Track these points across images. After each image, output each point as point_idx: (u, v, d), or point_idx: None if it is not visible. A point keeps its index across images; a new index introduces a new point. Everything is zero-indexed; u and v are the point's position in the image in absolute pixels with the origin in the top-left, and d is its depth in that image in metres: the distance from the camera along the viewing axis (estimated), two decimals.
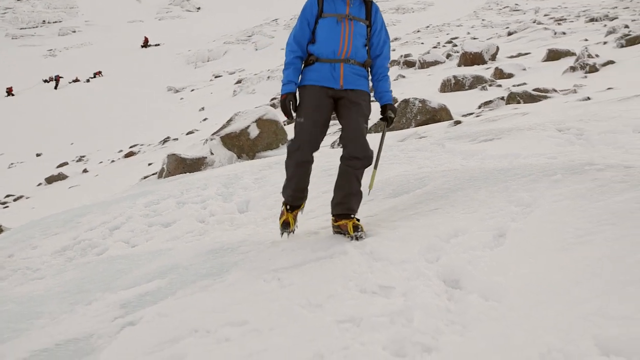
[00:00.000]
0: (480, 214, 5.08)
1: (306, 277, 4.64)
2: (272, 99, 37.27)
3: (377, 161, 5.79)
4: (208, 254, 6.01)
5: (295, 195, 5.78)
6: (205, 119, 39.90)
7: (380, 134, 6.02)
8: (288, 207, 5.87)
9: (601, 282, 3.38)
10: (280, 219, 5.94)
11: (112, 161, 30.99)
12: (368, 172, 5.68)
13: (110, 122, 47.58)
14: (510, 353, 2.89)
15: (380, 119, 5.80)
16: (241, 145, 14.52)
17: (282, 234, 5.94)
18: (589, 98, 13.76)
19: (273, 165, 10.46)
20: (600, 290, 3.31)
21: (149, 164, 24.24)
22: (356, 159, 5.35)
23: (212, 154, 14.49)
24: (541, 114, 10.79)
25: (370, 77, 5.81)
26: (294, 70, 5.61)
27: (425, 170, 7.37)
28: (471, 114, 16.04)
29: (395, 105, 5.78)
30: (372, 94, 5.84)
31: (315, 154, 5.56)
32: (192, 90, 57.34)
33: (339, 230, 5.58)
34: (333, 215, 5.65)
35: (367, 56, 5.66)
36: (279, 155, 12.54)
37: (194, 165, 14.22)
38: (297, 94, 5.62)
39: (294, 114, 5.58)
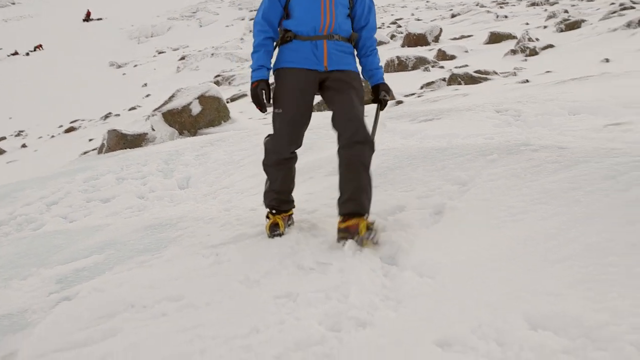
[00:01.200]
0: (417, 192, 5.15)
1: (244, 253, 4.65)
2: (216, 76, 37.03)
3: (372, 136, 4.77)
4: (146, 230, 5.97)
5: (280, 199, 5.03)
6: (148, 95, 39.42)
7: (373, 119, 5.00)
8: (274, 211, 5.06)
9: (532, 260, 3.47)
10: (266, 225, 5.04)
11: (52, 136, 30.39)
12: None
13: (50, 97, 46.63)
14: (442, 328, 2.94)
15: (372, 100, 5.05)
16: (183, 121, 14.38)
17: (271, 237, 4.92)
18: (527, 81, 14.00)
19: (215, 142, 10.41)
20: (530, 267, 3.39)
21: (90, 140, 23.86)
22: (359, 144, 4.48)
23: (153, 130, 14.32)
24: (481, 96, 10.93)
25: (356, 53, 5.01)
26: (265, 53, 4.76)
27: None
28: (413, 94, 16.18)
29: None
30: None
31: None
32: (135, 65, 56.53)
33: (345, 233, 4.50)
34: (341, 215, 4.61)
35: (351, 29, 4.87)
36: (221, 132, 12.50)
37: (135, 141, 14.04)
38: (273, 80, 4.87)
39: (268, 105, 4.77)
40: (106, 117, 31.31)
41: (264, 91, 4.64)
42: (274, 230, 4.94)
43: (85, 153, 17.14)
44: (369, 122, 4.68)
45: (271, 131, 4.91)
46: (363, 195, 4.52)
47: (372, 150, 4.55)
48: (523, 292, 3.12)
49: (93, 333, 3.75)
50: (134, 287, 4.36)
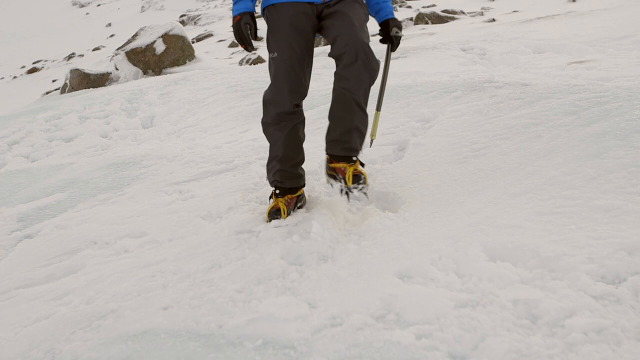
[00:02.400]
0: (381, 128, 5.14)
1: (207, 190, 4.64)
2: (182, 16, 36.46)
3: (380, 100, 4.16)
4: (109, 168, 5.93)
5: (284, 171, 3.98)
6: (112, 36, 38.85)
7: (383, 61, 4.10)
8: (277, 191, 4.00)
9: (492, 193, 3.50)
10: (267, 210, 3.98)
11: (14, 77, 29.90)
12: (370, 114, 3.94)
13: (11, 37, 45.69)
14: (402, 260, 2.97)
15: (381, 40, 4.14)
16: (147, 60, 14.19)
17: (269, 220, 3.88)
18: (494, 20, 13.98)
19: (179, 81, 10.30)
20: (490, 201, 3.43)
21: (53, 81, 23.55)
22: (355, 70, 3.68)
23: (117, 69, 14.13)
24: (447, 35, 10.91)
25: None
26: None
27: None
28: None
29: None
30: None
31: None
32: (99, 5, 55.55)
33: (333, 173, 3.98)
34: (327, 154, 4.01)
35: None
36: (185, 72, 12.33)
37: (98, 80, 13.85)
38: (264, 17, 4.04)
39: (257, 39, 4.02)
40: (69, 57, 30.84)
41: (248, 25, 3.79)
42: (274, 215, 3.90)
43: (47, 93, 16.87)
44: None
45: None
46: (354, 136, 3.84)
47: (374, 77, 3.75)
48: (483, 225, 3.15)
49: (55, 270, 3.75)
50: (97, 224, 4.35)
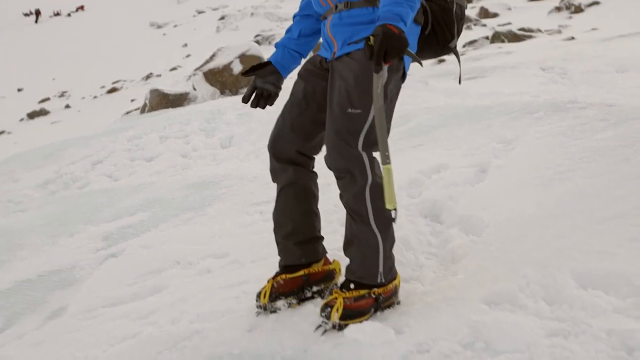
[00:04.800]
0: (462, 150, 5.10)
1: None
2: (256, 36, 36.94)
3: (382, 149, 2.76)
4: (190, 188, 6.03)
5: (277, 242, 3.32)
6: (188, 56, 39.51)
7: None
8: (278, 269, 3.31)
9: (580, 218, 3.42)
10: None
11: (95, 97, 30.75)
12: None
13: (92, 58, 46.99)
14: (489, 286, 2.93)
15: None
16: (224, 81, 14.39)
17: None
18: (573, 38, 13.75)
19: None
20: (579, 225, 3.34)
21: (132, 100, 24.09)
22: (338, 179, 3.03)
23: (194, 89, 14.36)
24: (525, 54, 10.77)
25: None
26: (289, 31, 3.42)
27: (409, 107, 7.35)
28: None
29: None
30: None
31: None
32: (175, 26, 56.61)
33: (323, 311, 2.87)
34: None
35: None
36: None
37: (177, 100, 14.09)
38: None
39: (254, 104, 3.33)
40: (147, 77, 31.54)
41: (256, 80, 3.30)
42: (256, 299, 3.15)
43: (128, 113, 17.27)
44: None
45: None
46: (353, 253, 3.03)
47: (356, 182, 2.95)
48: (572, 250, 3.07)
49: (140, 289, 3.82)
50: (180, 244, 4.42)
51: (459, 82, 3.56)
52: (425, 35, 3.27)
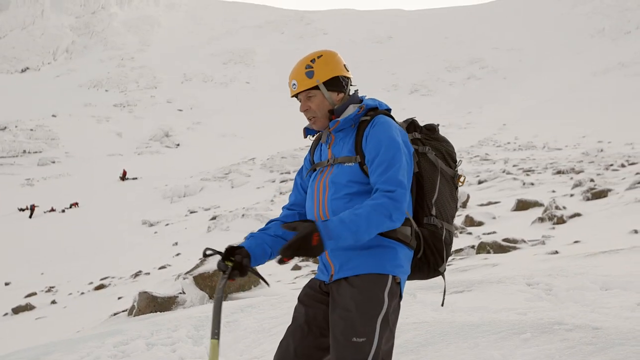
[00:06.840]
0: None
1: None
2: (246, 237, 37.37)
3: (214, 323, 3.74)
4: None
5: None
6: (178, 254, 39.76)
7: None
8: None
9: None
10: None
11: (82, 293, 30.60)
12: None
13: (81, 254, 47.26)
14: None
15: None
16: (214, 285, 14.44)
17: None
18: (557, 252, 14.05)
19: (245, 309, 10.44)
20: None
21: (119, 298, 24.00)
22: None
23: (183, 293, 14.42)
24: (511, 266, 11.00)
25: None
26: (265, 227, 3.74)
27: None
28: None
29: None
30: None
31: None
32: (167, 224, 57.31)
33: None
34: None
35: None
36: (251, 298, 12.53)
37: (165, 304, 14.11)
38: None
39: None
40: (136, 275, 31.55)
41: (222, 265, 3.65)
42: None
43: (115, 314, 17.22)
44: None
45: None
46: None
47: None
48: None
49: None
50: None
51: (442, 304, 3.94)
52: (417, 259, 3.49)
